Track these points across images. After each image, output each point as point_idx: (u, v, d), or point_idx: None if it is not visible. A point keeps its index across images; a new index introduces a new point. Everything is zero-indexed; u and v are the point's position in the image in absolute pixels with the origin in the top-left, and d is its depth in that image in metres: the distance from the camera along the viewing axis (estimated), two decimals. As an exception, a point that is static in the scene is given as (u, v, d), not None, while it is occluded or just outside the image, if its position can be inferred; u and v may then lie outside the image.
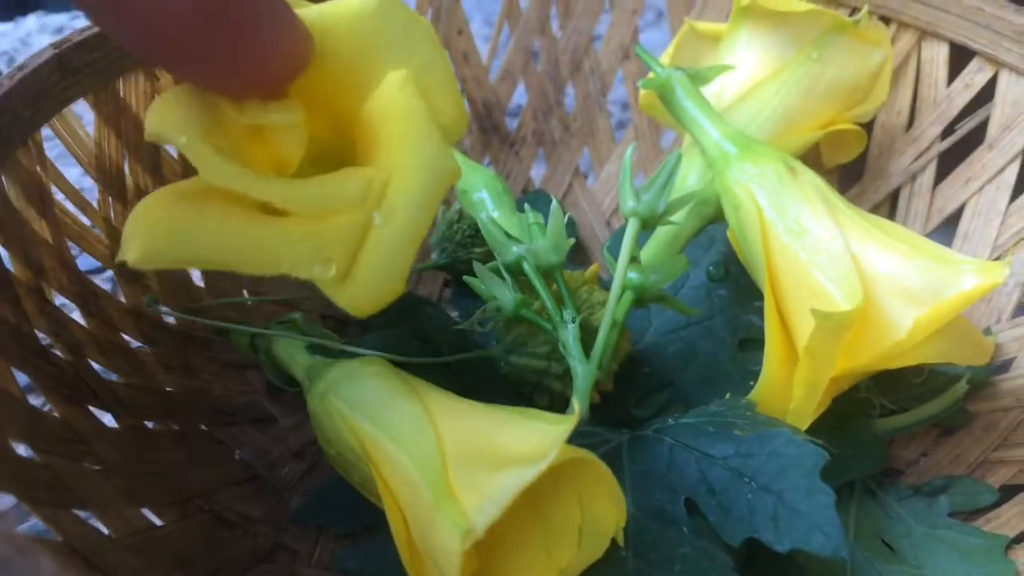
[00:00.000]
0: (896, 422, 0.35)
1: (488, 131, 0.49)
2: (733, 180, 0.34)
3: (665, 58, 0.44)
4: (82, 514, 0.27)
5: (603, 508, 0.28)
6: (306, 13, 0.27)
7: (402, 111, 0.27)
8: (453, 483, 0.26)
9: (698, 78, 0.37)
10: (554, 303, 0.33)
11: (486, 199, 0.37)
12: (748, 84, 0.40)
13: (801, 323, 0.31)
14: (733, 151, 0.34)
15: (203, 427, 0.35)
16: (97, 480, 0.29)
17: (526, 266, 0.34)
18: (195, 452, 0.34)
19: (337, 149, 0.29)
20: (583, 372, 0.32)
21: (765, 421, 0.32)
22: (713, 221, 0.39)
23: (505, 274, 0.35)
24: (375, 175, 0.27)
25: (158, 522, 0.30)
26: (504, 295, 0.34)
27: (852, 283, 0.30)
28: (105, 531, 0.28)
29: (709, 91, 0.40)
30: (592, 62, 0.49)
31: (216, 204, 0.26)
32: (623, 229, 0.41)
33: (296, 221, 0.26)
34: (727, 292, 0.40)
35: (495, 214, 0.37)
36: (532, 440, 0.26)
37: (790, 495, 0.28)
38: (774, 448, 0.29)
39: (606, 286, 0.36)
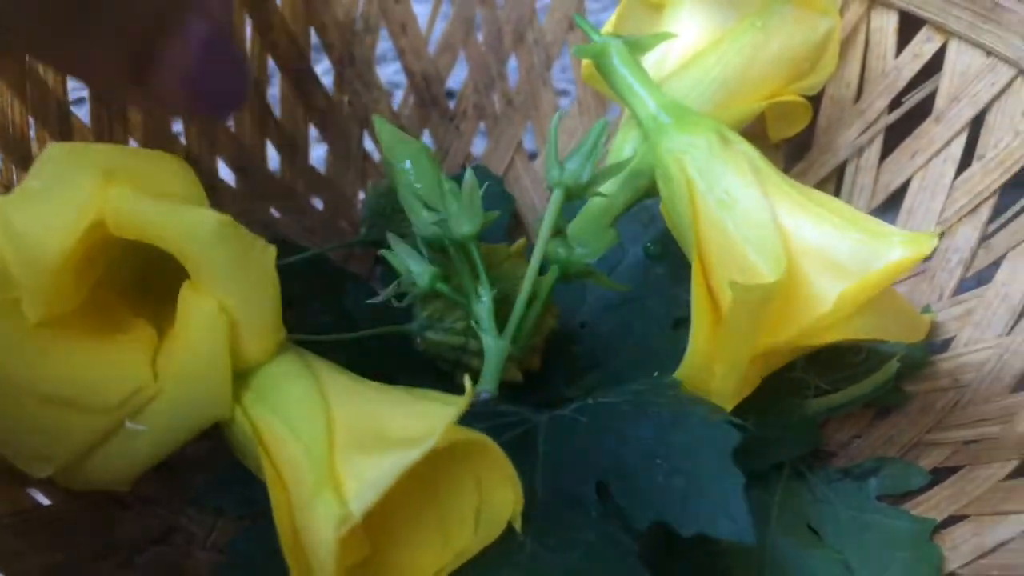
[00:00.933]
0: (828, 402, 0.34)
1: (427, 104, 0.47)
2: (665, 150, 0.32)
3: (608, 27, 0.42)
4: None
5: (500, 491, 0.27)
6: (146, 208, 0.25)
7: (198, 347, 0.27)
8: (337, 467, 0.25)
9: (636, 46, 0.36)
10: (470, 277, 0.32)
11: (409, 170, 0.36)
12: (690, 53, 0.39)
13: (728, 297, 0.30)
14: (667, 121, 0.33)
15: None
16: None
17: (444, 239, 0.33)
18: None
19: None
20: (494, 347, 0.31)
21: (687, 400, 0.30)
22: (649, 195, 0.38)
23: (422, 247, 0.33)
24: (147, 387, 0.27)
25: (46, 501, 0.29)
26: (419, 268, 0.33)
27: (777, 254, 0.29)
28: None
29: (651, 60, 0.39)
30: (536, 34, 0.47)
31: None
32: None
33: (40, 406, 0.26)
34: (664, 270, 0.39)
35: (417, 185, 0.35)
36: (419, 421, 0.25)
37: (699, 477, 0.27)
38: (688, 428, 0.28)
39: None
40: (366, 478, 0.23)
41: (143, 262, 0.27)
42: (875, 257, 0.28)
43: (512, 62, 0.48)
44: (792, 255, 0.29)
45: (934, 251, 0.38)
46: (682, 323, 0.37)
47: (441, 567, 0.26)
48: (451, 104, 0.48)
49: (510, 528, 0.27)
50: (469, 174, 0.32)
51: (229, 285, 0.26)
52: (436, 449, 0.25)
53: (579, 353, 0.38)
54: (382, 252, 0.34)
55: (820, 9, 0.38)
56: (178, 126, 0.41)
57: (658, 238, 0.39)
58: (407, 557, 0.27)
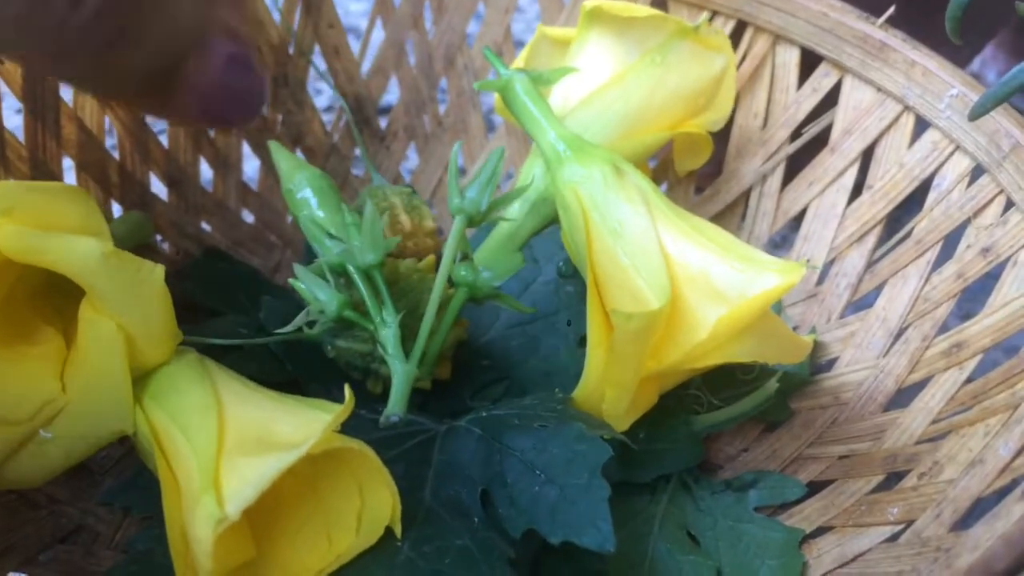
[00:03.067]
0: (713, 418, 0.36)
1: (359, 124, 0.49)
2: (563, 181, 0.34)
3: (520, 62, 0.44)
4: None
5: (381, 495, 0.28)
6: (38, 243, 0.27)
7: (98, 363, 0.29)
8: (222, 469, 0.26)
9: (540, 80, 0.37)
10: (374, 303, 0.34)
11: (309, 198, 0.37)
12: (593, 87, 0.40)
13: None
14: (565, 152, 0.34)
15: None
16: None
17: (348, 266, 0.34)
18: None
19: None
20: (401, 372, 0.32)
21: (571, 414, 0.32)
22: (555, 221, 0.40)
23: (328, 275, 0.35)
24: (56, 399, 0.29)
25: (-41, 501, 0.31)
26: (326, 297, 0.34)
27: (662, 283, 0.31)
28: None
29: (557, 94, 0.41)
30: (466, 59, 0.49)
31: None
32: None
33: None
34: (575, 289, 0.40)
35: (319, 213, 0.37)
36: (300, 428, 0.27)
37: (570, 489, 0.29)
38: (565, 442, 0.30)
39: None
40: (244, 479, 0.25)
41: (50, 275, 0.29)
42: (750, 285, 0.30)
43: (443, 85, 0.50)
44: (676, 282, 0.31)
45: (824, 275, 0.40)
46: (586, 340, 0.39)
47: (323, 567, 0.28)
48: (383, 123, 0.50)
49: (390, 534, 0.29)
50: (370, 207, 0.34)
51: (120, 305, 0.28)
52: (318, 454, 0.26)
53: (487, 366, 0.39)
54: (290, 281, 0.35)
55: (715, 47, 0.40)
56: (112, 140, 0.43)
57: (570, 258, 0.41)
58: (292, 557, 0.28)
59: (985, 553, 0.18)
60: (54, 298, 0.31)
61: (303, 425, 0.27)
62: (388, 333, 0.33)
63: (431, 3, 0.48)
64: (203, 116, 0.27)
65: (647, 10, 0.39)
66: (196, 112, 0.26)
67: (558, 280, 0.41)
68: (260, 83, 0.27)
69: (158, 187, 0.45)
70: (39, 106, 0.39)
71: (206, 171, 0.46)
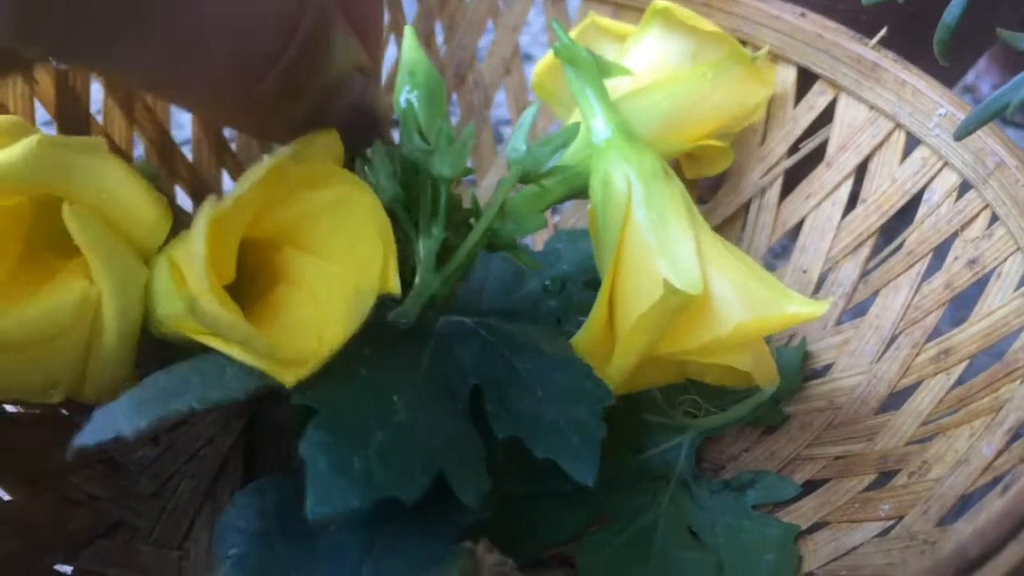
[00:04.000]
0: (710, 422, 0.38)
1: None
2: (611, 161, 0.35)
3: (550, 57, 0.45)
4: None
5: (371, 268, 0.29)
6: None
7: (86, 241, 0.30)
8: None
9: (602, 65, 0.39)
10: (428, 213, 0.34)
11: (420, 88, 0.38)
12: (643, 82, 0.42)
13: (630, 304, 0.33)
14: (619, 138, 0.36)
15: (64, 412, 0.37)
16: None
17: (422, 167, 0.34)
18: (52, 435, 0.36)
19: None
20: (427, 281, 0.33)
21: (573, 356, 0.33)
22: (577, 194, 0.41)
23: (394, 166, 0.34)
24: (88, 291, 0.30)
25: (6, 497, 0.33)
26: (388, 183, 0.33)
27: (695, 276, 0.32)
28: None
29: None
30: (476, 75, 0.51)
31: None
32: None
33: (16, 353, 0.29)
34: (556, 304, 0.42)
35: (419, 107, 0.37)
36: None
37: (568, 418, 0.30)
38: (571, 374, 0.31)
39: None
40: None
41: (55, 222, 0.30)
42: (775, 305, 0.32)
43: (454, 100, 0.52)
44: (707, 281, 0.32)
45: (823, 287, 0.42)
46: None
47: (319, 359, 0.27)
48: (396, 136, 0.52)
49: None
50: (470, 129, 0.34)
51: (82, 192, 0.30)
52: (312, 234, 0.29)
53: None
54: (358, 159, 0.34)
55: (761, 79, 0.42)
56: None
57: (559, 277, 0.42)
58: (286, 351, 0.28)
59: (959, 544, 0.20)
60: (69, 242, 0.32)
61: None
62: (430, 244, 0.33)
63: (443, 23, 0.50)
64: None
65: (712, 26, 0.41)
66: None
67: (542, 295, 0.42)
68: (386, 109, 0.29)
69: (183, 199, 0.47)
70: (70, 123, 0.41)
71: (228, 183, 0.48)
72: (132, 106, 0.44)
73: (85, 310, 0.30)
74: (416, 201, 0.34)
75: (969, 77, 0.72)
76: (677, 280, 0.32)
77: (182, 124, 0.49)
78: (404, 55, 0.39)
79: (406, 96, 0.38)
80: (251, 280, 0.30)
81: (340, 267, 0.29)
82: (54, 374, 0.30)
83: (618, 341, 0.33)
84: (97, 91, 0.42)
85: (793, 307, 0.31)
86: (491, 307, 0.41)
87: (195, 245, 0.25)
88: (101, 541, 0.33)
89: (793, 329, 0.42)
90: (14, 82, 0.39)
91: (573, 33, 0.45)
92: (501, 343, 0.33)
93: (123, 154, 0.43)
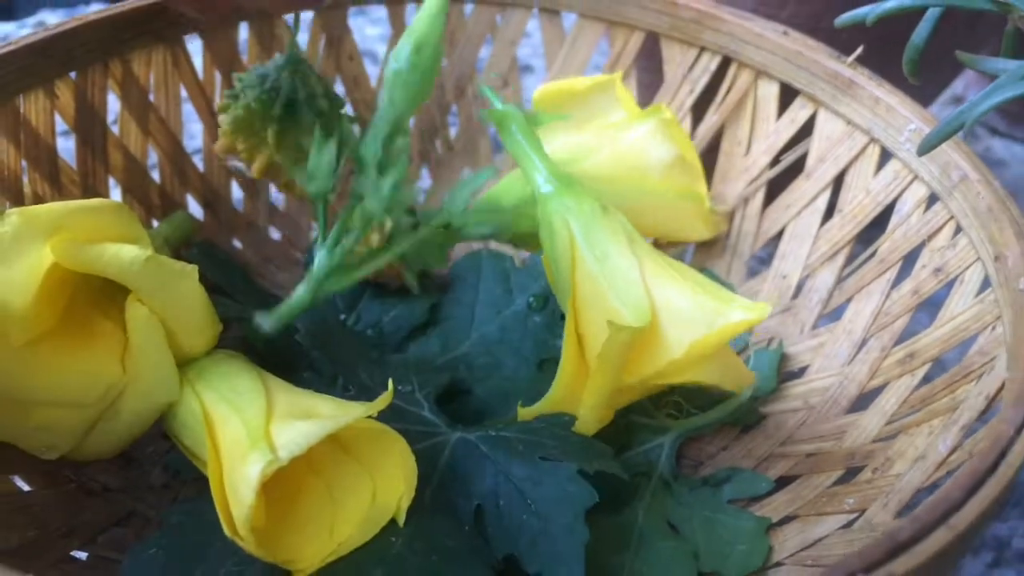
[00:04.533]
0: (691, 423, 0.40)
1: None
2: (553, 210, 0.38)
3: (580, 83, 0.47)
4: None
5: (392, 491, 0.32)
6: (86, 254, 0.31)
7: (141, 342, 0.33)
8: (272, 428, 0.30)
9: (535, 121, 0.41)
10: (340, 228, 0.38)
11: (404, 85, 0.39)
12: (613, 165, 0.45)
13: (595, 340, 0.35)
14: (557, 186, 0.38)
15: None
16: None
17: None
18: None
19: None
20: (301, 297, 0.38)
21: (575, 441, 0.36)
22: (503, 236, 0.43)
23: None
24: (118, 380, 0.34)
25: (26, 488, 0.35)
26: (322, 174, 0.37)
27: (643, 306, 0.35)
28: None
29: (582, 140, 0.45)
30: (475, 88, 0.53)
31: None
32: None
33: (32, 408, 0.33)
34: (541, 319, 0.44)
35: (398, 96, 0.39)
36: (342, 409, 0.31)
37: (554, 526, 0.33)
38: (558, 480, 0.34)
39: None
40: (296, 430, 0.30)
41: (104, 278, 0.33)
42: (720, 316, 0.34)
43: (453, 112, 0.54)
44: (655, 307, 0.35)
45: (799, 293, 0.44)
46: (546, 364, 0.42)
47: (322, 556, 0.32)
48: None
49: (384, 529, 0.32)
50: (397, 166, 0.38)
51: (160, 302, 0.33)
52: (346, 449, 0.31)
53: (454, 379, 0.42)
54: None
55: (711, 227, 0.47)
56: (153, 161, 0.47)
57: (541, 294, 0.44)
58: (293, 545, 0.32)
59: (893, 528, 0.22)
60: (112, 296, 0.35)
61: (344, 407, 0.31)
62: (323, 258, 0.38)
63: (443, 36, 0.53)
64: None
65: (694, 155, 0.46)
66: None
67: (527, 311, 0.44)
68: None
69: (195, 207, 0.49)
70: (89, 135, 0.44)
71: (237, 192, 0.51)
72: (147, 118, 0.46)
73: (108, 394, 0.34)
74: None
75: (958, 87, 0.74)
76: (627, 311, 0.35)
77: (194, 134, 0.51)
78: (420, 24, 0.39)
79: (397, 64, 0.39)
80: None
81: (360, 467, 0.32)
82: (57, 438, 0.34)
83: (587, 385, 0.36)
84: (114, 102, 0.45)
85: (739, 314, 0.34)
86: (481, 336, 0.44)
87: (245, 498, 0.28)
88: (115, 529, 0.36)
89: (772, 331, 0.44)
90: (36, 96, 0.41)
91: (590, 81, 0.47)
92: (500, 458, 0.35)
93: (138, 163, 0.46)
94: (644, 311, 0.34)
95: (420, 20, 0.39)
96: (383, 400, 0.31)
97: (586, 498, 0.33)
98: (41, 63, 0.41)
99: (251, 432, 0.30)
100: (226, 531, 0.29)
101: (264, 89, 0.38)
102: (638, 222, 0.42)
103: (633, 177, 0.44)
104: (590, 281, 0.36)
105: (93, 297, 0.36)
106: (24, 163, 0.41)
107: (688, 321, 0.34)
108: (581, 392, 0.36)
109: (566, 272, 0.37)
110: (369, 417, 0.31)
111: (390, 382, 0.32)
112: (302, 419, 0.31)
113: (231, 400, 0.33)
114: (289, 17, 0.49)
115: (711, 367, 0.35)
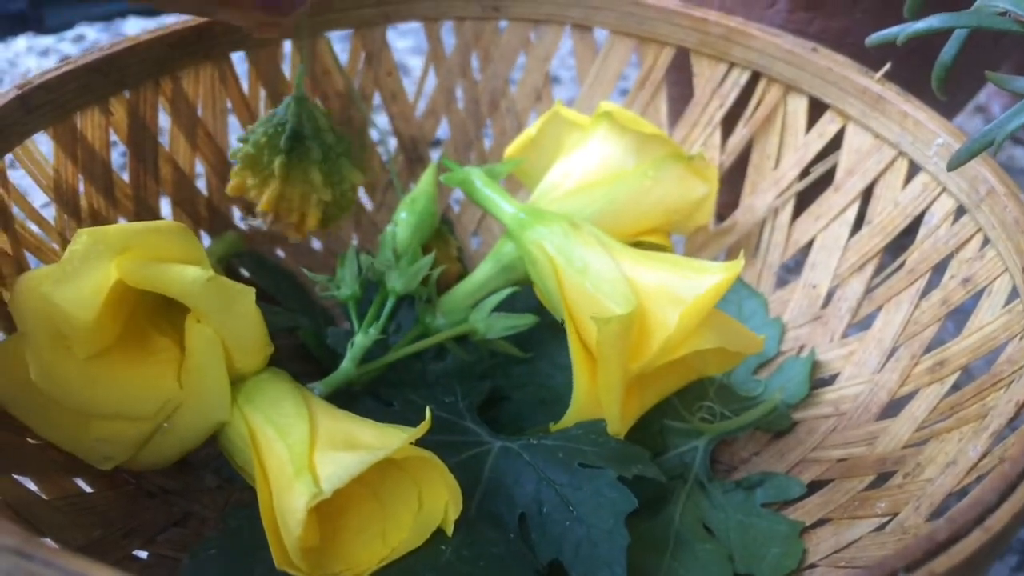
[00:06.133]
0: (725, 427, 0.41)
1: (414, 162, 0.55)
2: (528, 241, 0.40)
3: (533, 129, 0.48)
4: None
5: (438, 499, 0.34)
6: (150, 273, 0.33)
7: (200, 361, 0.35)
8: (315, 459, 0.32)
9: (493, 173, 0.44)
10: (375, 313, 0.41)
11: (405, 221, 0.45)
12: (587, 180, 0.46)
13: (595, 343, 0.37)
14: (526, 218, 0.41)
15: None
16: (34, 453, 0.35)
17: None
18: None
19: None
20: (346, 369, 0.40)
21: (612, 447, 0.37)
22: (516, 283, 0.44)
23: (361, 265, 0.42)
24: (174, 396, 0.36)
25: (89, 489, 0.37)
26: (349, 279, 0.42)
27: (627, 296, 0.36)
28: (42, 495, 0.34)
29: (555, 173, 0.47)
30: (508, 102, 0.55)
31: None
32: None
33: (93, 421, 0.35)
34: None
35: (401, 229, 0.45)
36: (383, 437, 0.33)
37: (595, 531, 0.34)
38: (598, 486, 0.35)
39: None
40: (338, 464, 0.31)
41: (164, 296, 0.34)
42: (700, 283, 0.36)
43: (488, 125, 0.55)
44: (640, 295, 0.37)
45: (829, 298, 0.45)
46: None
47: (376, 561, 0.33)
48: (434, 159, 0.56)
49: (435, 537, 0.34)
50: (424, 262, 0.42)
51: (218, 320, 0.34)
52: (390, 460, 0.32)
53: (491, 387, 0.44)
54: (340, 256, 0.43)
55: (702, 176, 0.46)
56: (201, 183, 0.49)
57: None
58: (350, 552, 0.33)
59: (931, 528, 0.24)
60: (169, 314, 0.37)
61: (384, 435, 0.33)
62: (363, 340, 0.40)
63: (478, 53, 0.54)
64: (261, 4, 0.36)
65: (653, 128, 0.45)
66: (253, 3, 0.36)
67: (558, 323, 0.45)
68: None
69: (239, 219, 0.51)
70: (141, 150, 0.46)
71: (280, 204, 0.52)
72: (195, 133, 0.48)
73: (165, 409, 0.36)
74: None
75: (981, 97, 0.75)
76: (617, 303, 0.36)
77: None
78: (419, 185, 0.46)
79: (397, 218, 0.45)
80: None
81: (404, 474, 0.34)
82: (114, 449, 0.36)
83: (599, 384, 0.37)
84: (164, 120, 0.46)
85: (716, 277, 0.36)
86: (506, 360, 0.45)
87: (294, 529, 0.30)
88: (174, 529, 0.37)
89: (803, 340, 0.45)
90: (92, 113, 0.43)
91: (539, 122, 0.48)
92: (542, 465, 0.37)
93: (186, 177, 0.48)
94: (629, 298, 0.36)
95: (420, 184, 0.46)
96: (422, 428, 0.32)
97: (626, 503, 0.34)
98: (97, 81, 0.42)
99: (295, 459, 0.32)
100: (276, 562, 0.31)
101: (272, 124, 0.42)
102: (642, 219, 0.45)
103: (615, 178, 0.45)
104: (578, 291, 0.38)
105: (149, 315, 0.37)
106: (81, 177, 0.43)
107: (672, 297, 0.36)
108: (598, 412, 0.37)
109: (555, 291, 0.39)
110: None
111: (427, 410, 0.33)
112: (345, 448, 0.32)
113: (276, 423, 0.34)
114: (330, 35, 0.51)
115: (709, 333, 0.36)
